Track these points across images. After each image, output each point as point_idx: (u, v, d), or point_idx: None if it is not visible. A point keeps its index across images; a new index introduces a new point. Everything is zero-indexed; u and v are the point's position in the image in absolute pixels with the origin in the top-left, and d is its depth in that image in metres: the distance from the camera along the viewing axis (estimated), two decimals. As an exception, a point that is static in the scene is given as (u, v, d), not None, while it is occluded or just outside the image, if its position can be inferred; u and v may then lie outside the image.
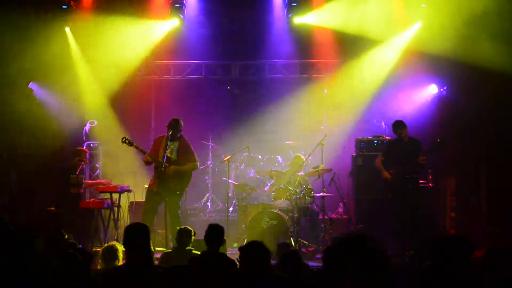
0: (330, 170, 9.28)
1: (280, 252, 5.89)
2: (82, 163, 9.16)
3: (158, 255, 7.43)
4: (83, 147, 10.84)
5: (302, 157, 9.74)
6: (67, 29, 10.64)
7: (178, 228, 6.43)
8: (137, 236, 4.23)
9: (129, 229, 4.30)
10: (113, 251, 5.37)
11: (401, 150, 8.44)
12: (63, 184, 8.72)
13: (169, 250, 6.56)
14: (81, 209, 8.47)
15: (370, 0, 10.46)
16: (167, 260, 5.89)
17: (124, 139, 7.98)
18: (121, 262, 5.29)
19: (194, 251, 6.09)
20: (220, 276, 4.93)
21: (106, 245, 5.72)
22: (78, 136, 10.90)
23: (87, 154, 9.38)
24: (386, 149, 8.48)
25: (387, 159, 8.60)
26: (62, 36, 10.60)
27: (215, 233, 5.47)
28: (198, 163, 8.33)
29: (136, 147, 7.93)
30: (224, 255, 5.48)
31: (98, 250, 8.24)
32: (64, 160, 9.34)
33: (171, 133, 7.95)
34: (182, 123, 8.16)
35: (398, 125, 8.55)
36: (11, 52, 10.24)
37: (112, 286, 4.10)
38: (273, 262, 4.74)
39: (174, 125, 8.00)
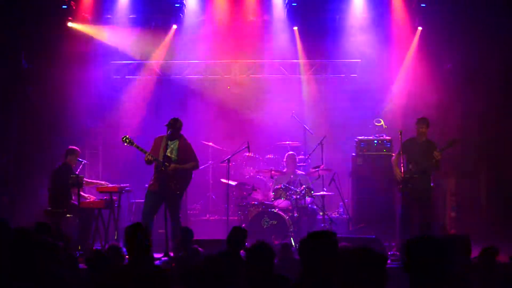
0: (330, 170, 9.29)
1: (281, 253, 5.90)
2: (83, 162, 9.12)
3: (159, 255, 7.46)
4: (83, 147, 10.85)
5: (293, 152, 9.79)
6: (70, 24, 10.64)
7: (180, 228, 6.41)
8: (137, 236, 4.26)
9: (129, 230, 4.34)
10: (117, 250, 5.38)
11: (416, 149, 8.39)
12: (63, 183, 8.67)
13: (182, 254, 6.49)
14: (81, 209, 8.45)
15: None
16: (184, 264, 5.85)
17: (124, 138, 7.97)
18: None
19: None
20: (234, 277, 4.91)
21: (110, 245, 5.73)
22: (78, 135, 10.88)
23: (79, 153, 9.20)
24: (402, 147, 8.43)
25: (403, 157, 8.51)
26: (62, 35, 10.60)
27: (237, 235, 5.48)
28: (198, 163, 8.32)
29: (137, 147, 7.92)
30: (241, 257, 5.47)
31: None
32: (64, 160, 9.30)
33: (171, 132, 7.94)
34: (182, 122, 8.15)
35: (421, 121, 8.48)
36: (10, 52, 10.27)
37: (112, 285, 4.11)
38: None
39: (173, 124, 7.98)
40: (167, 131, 7.93)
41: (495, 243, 5.96)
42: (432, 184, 8.51)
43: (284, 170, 9.77)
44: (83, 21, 10.69)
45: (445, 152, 8.38)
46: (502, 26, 9.85)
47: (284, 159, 9.90)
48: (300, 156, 10.40)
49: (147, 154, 7.86)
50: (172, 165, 7.91)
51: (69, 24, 10.61)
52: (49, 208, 8.57)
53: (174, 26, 11.07)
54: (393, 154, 9.08)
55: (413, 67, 10.82)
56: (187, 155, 8.12)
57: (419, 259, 3.16)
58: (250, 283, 4.09)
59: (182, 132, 8.22)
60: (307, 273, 3.23)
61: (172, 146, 8.03)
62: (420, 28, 10.70)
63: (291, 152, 9.89)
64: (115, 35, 10.81)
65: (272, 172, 9.47)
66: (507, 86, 10.12)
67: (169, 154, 7.94)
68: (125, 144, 7.97)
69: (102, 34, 10.79)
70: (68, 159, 8.82)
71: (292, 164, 9.64)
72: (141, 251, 4.20)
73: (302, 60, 11.41)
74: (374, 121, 10.84)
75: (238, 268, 5.03)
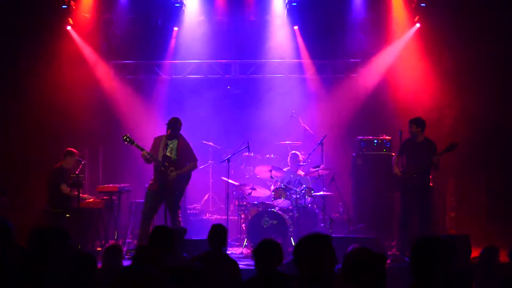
0: (330, 170, 9.30)
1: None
2: (83, 162, 9.10)
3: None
4: (83, 147, 10.84)
5: (298, 153, 9.79)
6: (69, 27, 10.66)
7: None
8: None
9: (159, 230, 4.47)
10: (117, 250, 5.38)
11: (415, 149, 8.40)
12: (59, 185, 8.65)
13: None
14: (80, 209, 8.45)
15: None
16: None
17: (125, 138, 7.96)
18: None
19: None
20: (222, 277, 4.93)
21: (110, 244, 5.72)
22: (78, 135, 10.89)
23: (77, 154, 9.16)
24: (401, 147, 8.44)
25: (403, 157, 8.49)
26: (62, 35, 10.62)
27: (217, 233, 5.45)
28: (197, 163, 8.34)
29: (137, 146, 7.92)
30: (227, 255, 5.47)
31: (99, 250, 8.29)
32: (61, 162, 9.25)
33: (170, 131, 7.95)
34: (181, 122, 8.16)
35: (410, 122, 8.49)
36: (10, 52, 10.28)
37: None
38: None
39: (173, 123, 8.00)
40: (167, 131, 7.95)
41: (495, 243, 5.97)
42: (431, 184, 8.51)
43: (285, 170, 9.78)
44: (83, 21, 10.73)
45: (445, 152, 8.37)
46: (502, 25, 9.87)
47: (288, 159, 9.92)
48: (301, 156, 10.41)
49: (144, 152, 7.86)
50: (173, 173, 7.91)
51: (68, 28, 10.64)
52: (48, 208, 8.57)
53: (175, 28, 11.08)
54: (393, 154, 9.09)
55: (413, 66, 10.81)
56: (186, 154, 8.14)
57: (425, 259, 3.16)
58: (259, 280, 4.09)
59: (182, 131, 8.23)
60: (303, 277, 3.24)
61: (171, 145, 8.05)
62: (418, 25, 10.69)
63: (294, 152, 9.89)
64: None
65: (272, 172, 9.48)
66: (506, 85, 10.12)
67: (168, 154, 7.95)
68: (126, 143, 7.97)
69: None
70: (66, 161, 8.76)
71: (294, 162, 9.66)
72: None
73: (302, 60, 11.42)
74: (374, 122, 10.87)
75: (221, 266, 5.04)
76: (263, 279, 4.09)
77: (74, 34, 10.73)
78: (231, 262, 5.33)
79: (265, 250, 4.26)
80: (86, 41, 10.83)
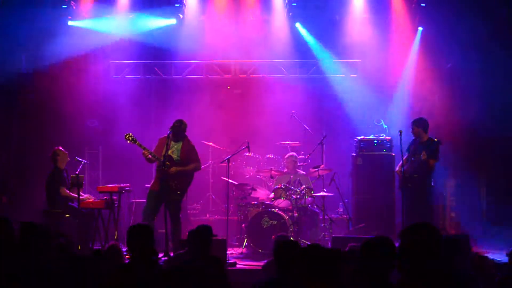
0: (330, 170, 9.30)
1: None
2: (83, 162, 9.10)
3: (159, 255, 7.46)
4: (83, 147, 10.85)
5: (294, 154, 9.78)
6: (69, 24, 10.67)
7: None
8: (139, 237, 4.32)
9: (132, 230, 4.43)
10: (116, 250, 5.39)
11: (416, 149, 8.40)
12: (57, 187, 8.63)
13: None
14: (80, 209, 8.45)
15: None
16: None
17: (127, 136, 7.96)
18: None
19: None
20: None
21: (110, 244, 5.73)
22: (78, 135, 10.89)
23: (61, 150, 9.08)
24: (407, 147, 8.48)
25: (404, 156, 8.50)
26: (63, 33, 10.63)
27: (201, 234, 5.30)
28: (200, 164, 8.33)
29: (139, 145, 7.92)
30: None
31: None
32: (54, 164, 9.20)
33: (172, 132, 7.94)
34: (186, 124, 8.16)
35: (412, 124, 8.51)
36: (11, 51, 10.28)
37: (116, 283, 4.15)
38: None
39: (177, 126, 8.00)
40: (170, 132, 7.93)
41: (494, 243, 5.97)
42: (432, 184, 8.51)
43: (285, 170, 9.77)
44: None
45: (445, 153, 8.38)
46: (503, 24, 9.87)
47: (284, 160, 9.88)
48: (300, 156, 10.40)
49: (146, 151, 7.86)
50: (173, 168, 7.90)
51: (69, 22, 10.63)
52: (48, 208, 8.57)
53: (174, 24, 11.06)
54: (393, 154, 9.11)
55: (414, 66, 10.81)
56: (189, 156, 8.13)
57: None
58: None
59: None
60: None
61: (175, 146, 8.04)
62: (420, 29, 10.69)
63: (291, 153, 9.86)
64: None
65: (272, 172, 9.47)
66: (507, 85, 10.12)
67: (170, 154, 7.93)
68: (128, 141, 7.98)
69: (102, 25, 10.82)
70: (58, 161, 8.72)
71: (293, 165, 9.63)
72: (143, 252, 4.24)
73: (302, 60, 11.41)
74: (374, 121, 10.85)
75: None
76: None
77: (73, 33, 10.73)
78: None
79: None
80: (86, 41, 10.81)
